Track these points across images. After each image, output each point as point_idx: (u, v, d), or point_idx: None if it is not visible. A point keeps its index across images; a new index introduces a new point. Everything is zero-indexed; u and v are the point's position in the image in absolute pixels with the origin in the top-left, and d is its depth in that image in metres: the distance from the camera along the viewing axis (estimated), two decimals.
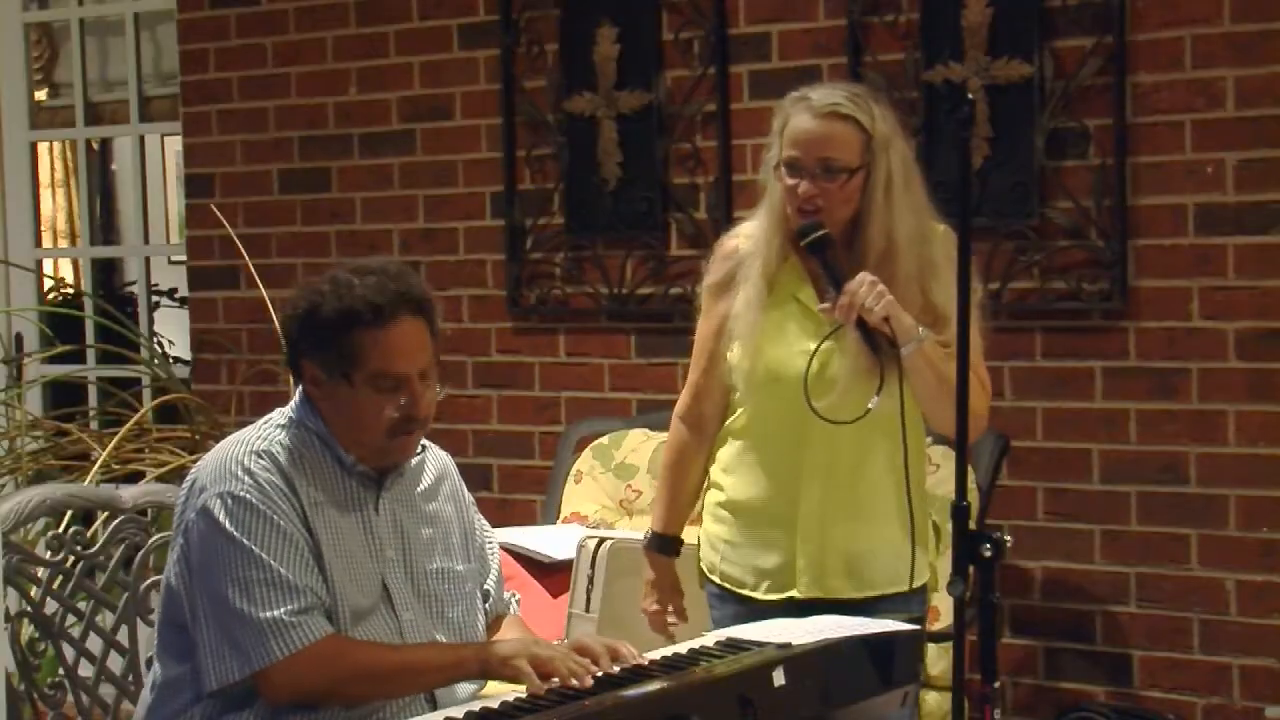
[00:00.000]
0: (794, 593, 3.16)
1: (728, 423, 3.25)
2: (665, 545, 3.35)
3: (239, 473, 2.60)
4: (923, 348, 3.03)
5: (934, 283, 3.09)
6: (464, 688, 2.69)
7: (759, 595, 3.18)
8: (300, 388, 2.73)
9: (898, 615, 3.02)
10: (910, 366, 3.04)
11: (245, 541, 2.55)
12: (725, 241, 3.28)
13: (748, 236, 3.22)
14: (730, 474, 3.25)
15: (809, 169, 3.06)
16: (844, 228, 3.10)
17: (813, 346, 3.08)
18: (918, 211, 3.13)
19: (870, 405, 3.03)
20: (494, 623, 2.88)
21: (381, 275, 2.65)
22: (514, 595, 2.98)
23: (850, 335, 3.04)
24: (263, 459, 2.62)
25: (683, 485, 3.33)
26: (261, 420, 2.73)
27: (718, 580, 3.25)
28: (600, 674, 2.51)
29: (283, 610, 2.52)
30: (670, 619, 3.34)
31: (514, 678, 2.54)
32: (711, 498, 3.30)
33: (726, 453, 3.26)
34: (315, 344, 2.65)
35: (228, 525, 2.56)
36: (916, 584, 3.20)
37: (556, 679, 2.48)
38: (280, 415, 2.73)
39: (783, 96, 3.18)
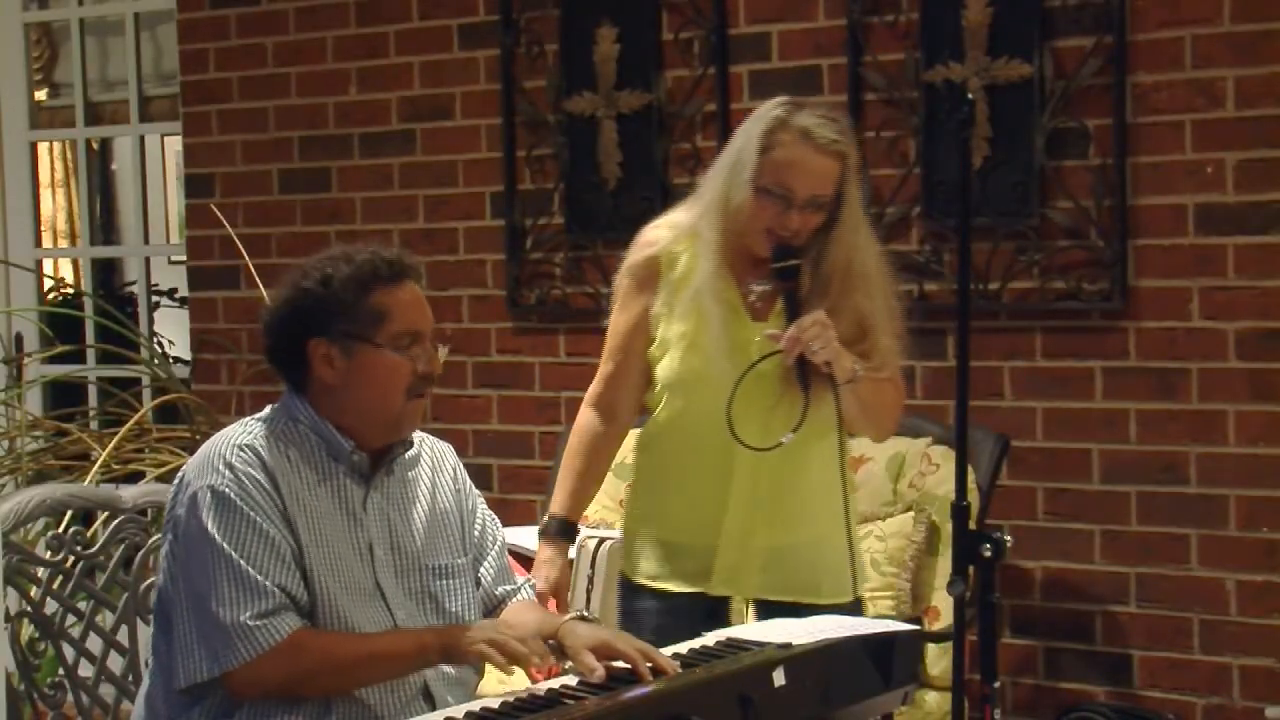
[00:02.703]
0: (706, 588, 3.17)
1: (653, 416, 3.25)
2: (566, 530, 3.31)
3: (220, 466, 2.61)
4: (856, 385, 3.06)
5: (866, 290, 3.13)
6: (462, 685, 2.69)
7: (671, 588, 3.19)
8: (287, 387, 2.73)
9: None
10: (842, 398, 3.06)
11: (218, 539, 2.56)
12: (647, 232, 3.28)
13: (672, 226, 3.23)
14: (653, 468, 3.26)
15: (800, 203, 3.07)
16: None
17: (735, 353, 3.10)
18: (868, 230, 3.18)
19: (784, 440, 3.04)
20: (496, 608, 2.86)
21: (368, 247, 2.72)
22: (528, 581, 2.95)
23: (785, 364, 3.06)
24: (245, 453, 2.63)
25: (589, 472, 3.30)
26: (249, 417, 2.74)
27: (630, 576, 3.26)
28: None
29: (248, 614, 2.53)
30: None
31: (479, 660, 2.55)
32: (633, 492, 3.31)
33: (649, 446, 3.27)
34: (335, 312, 2.66)
35: (205, 520, 2.57)
36: (844, 599, 3.16)
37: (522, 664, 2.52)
38: (269, 410, 2.73)
39: (773, 99, 3.16)
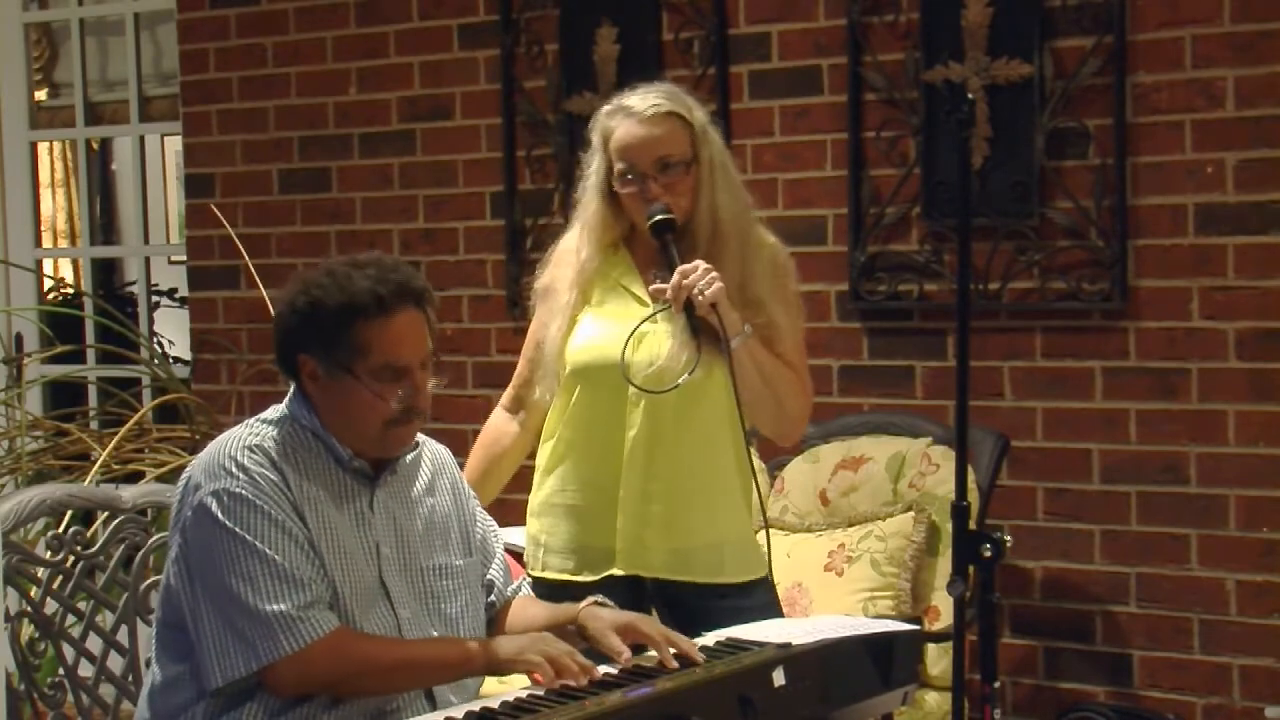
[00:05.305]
0: (614, 570, 3.17)
1: (550, 412, 3.27)
2: None
3: (232, 469, 2.59)
4: (748, 343, 3.09)
5: (743, 254, 3.15)
6: (463, 687, 2.69)
7: (580, 578, 3.18)
8: (293, 386, 2.73)
9: (738, 609, 3.06)
10: (735, 360, 3.08)
11: (247, 536, 2.54)
12: (557, 244, 3.33)
13: (584, 229, 3.28)
14: (553, 462, 3.26)
15: (648, 172, 3.12)
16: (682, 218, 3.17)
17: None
18: (735, 192, 3.21)
19: (680, 380, 3.07)
20: (504, 608, 2.87)
21: (378, 267, 2.67)
22: (525, 579, 2.97)
23: (675, 317, 3.09)
24: (255, 454, 2.61)
25: (494, 468, 3.33)
26: (253, 418, 2.72)
27: (539, 573, 3.25)
28: (604, 675, 2.51)
29: (289, 604, 2.51)
30: None
31: (525, 671, 2.54)
32: (535, 495, 3.31)
33: (549, 444, 3.27)
34: (317, 337, 2.65)
35: (226, 521, 2.55)
36: (748, 578, 3.20)
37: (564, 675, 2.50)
38: (272, 412, 2.72)
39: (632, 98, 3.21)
